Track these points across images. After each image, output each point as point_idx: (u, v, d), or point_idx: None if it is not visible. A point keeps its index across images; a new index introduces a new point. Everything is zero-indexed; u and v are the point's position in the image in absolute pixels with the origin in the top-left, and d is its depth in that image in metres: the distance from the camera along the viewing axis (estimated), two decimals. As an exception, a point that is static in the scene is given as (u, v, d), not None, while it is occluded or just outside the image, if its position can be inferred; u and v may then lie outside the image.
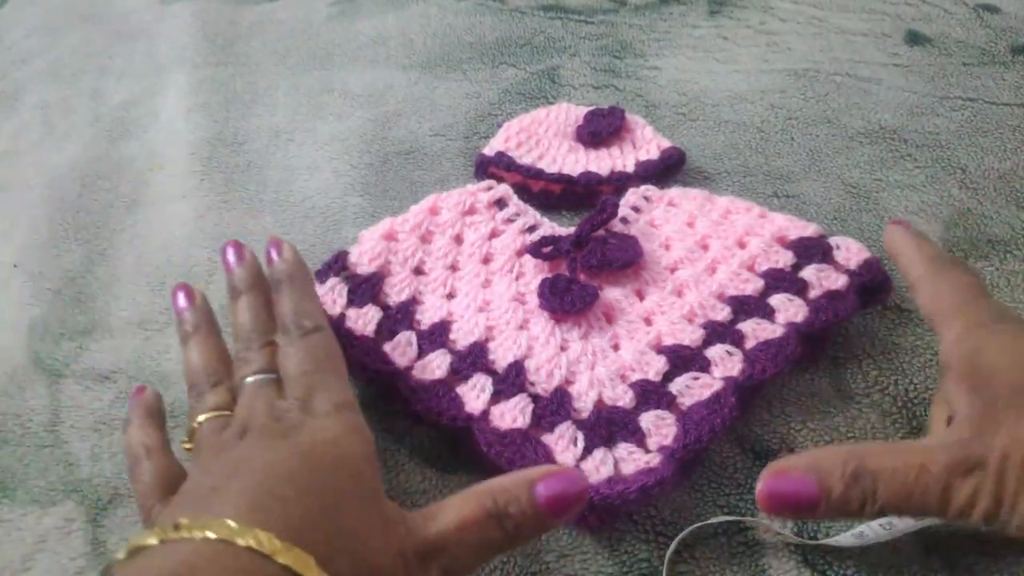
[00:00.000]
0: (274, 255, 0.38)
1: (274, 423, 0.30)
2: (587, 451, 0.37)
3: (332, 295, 0.44)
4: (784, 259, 0.44)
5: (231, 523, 0.24)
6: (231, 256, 0.38)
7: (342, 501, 0.27)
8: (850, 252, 0.44)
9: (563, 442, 0.38)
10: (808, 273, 0.43)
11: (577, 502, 0.29)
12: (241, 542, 0.24)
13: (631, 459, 0.37)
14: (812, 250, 0.45)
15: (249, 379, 0.33)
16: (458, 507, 0.29)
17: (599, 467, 0.36)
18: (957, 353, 0.31)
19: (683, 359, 0.41)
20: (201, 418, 0.33)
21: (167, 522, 0.25)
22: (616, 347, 0.42)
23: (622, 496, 0.34)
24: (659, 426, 0.38)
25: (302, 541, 0.24)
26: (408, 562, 0.27)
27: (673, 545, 0.35)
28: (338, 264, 0.45)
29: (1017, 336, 0.31)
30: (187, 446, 0.33)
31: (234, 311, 0.37)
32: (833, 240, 0.45)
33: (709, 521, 0.36)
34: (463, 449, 0.39)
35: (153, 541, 0.24)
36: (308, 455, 0.28)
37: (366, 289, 0.44)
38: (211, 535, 0.24)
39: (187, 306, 0.38)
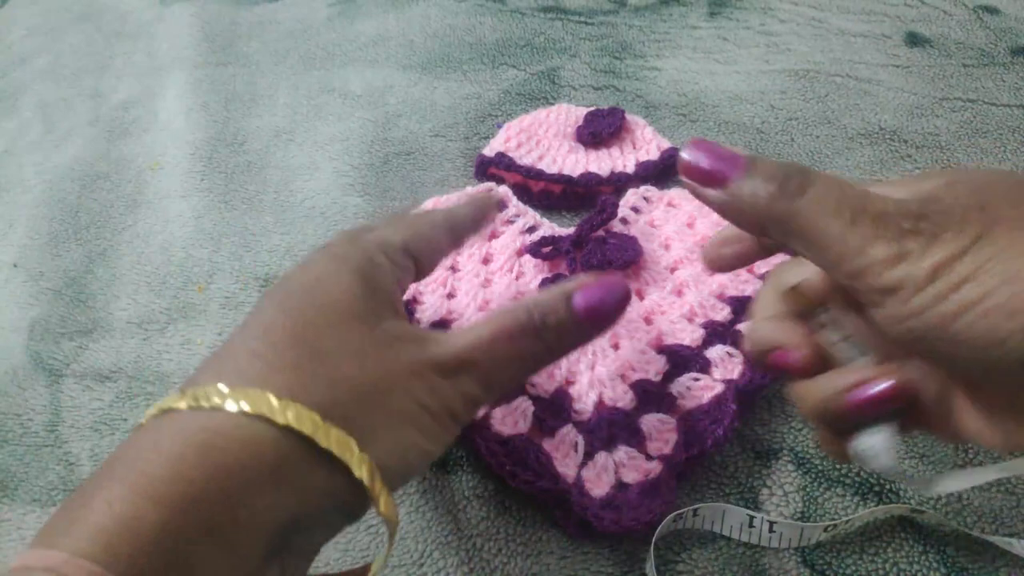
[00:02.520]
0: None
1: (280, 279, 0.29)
2: (588, 456, 0.37)
3: None
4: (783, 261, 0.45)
5: (272, 399, 0.22)
6: None
7: (314, 330, 0.25)
8: None
9: (564, 448, 0.38)
10: None
11: (618, 310, 0.28)
12: (280, 420, 0.22)
13: (632, 464, 0.37)
14: None
15: None
16: (492, 322, 0.27)
17: (600, 474, 0.36)
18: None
19: (683, 359, 0.41)
20: None
21: (200, 385, 0.23)
22: (616, 346, 0.42)
23: (629, 529, 0.35)
24: (660, 431, 0.38)
25: (286, 387, 0.23)
26: (425, 376, 0.25)
27: (656, 535, 0.35)
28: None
29: (956, 170, 0.26)
30: None
31: None
32: None
33: (686, 509, 0.35)
34: (463, 449, 0.39)
35: (182, 405, 0.23)
36: (284, 301, 0.26)
37: (366, 289, 0.44)
38: (246, 407, 0.22)
39: None
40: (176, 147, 0.59)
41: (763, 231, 0.24)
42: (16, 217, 0.55)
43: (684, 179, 0.25)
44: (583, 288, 0.27)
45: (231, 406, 0.22)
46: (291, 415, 0.22)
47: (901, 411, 0.26)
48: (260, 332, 0.25)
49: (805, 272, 0.29)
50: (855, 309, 0.27)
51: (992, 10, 0.69)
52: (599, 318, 0.27)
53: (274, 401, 0.22)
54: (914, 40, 0.66)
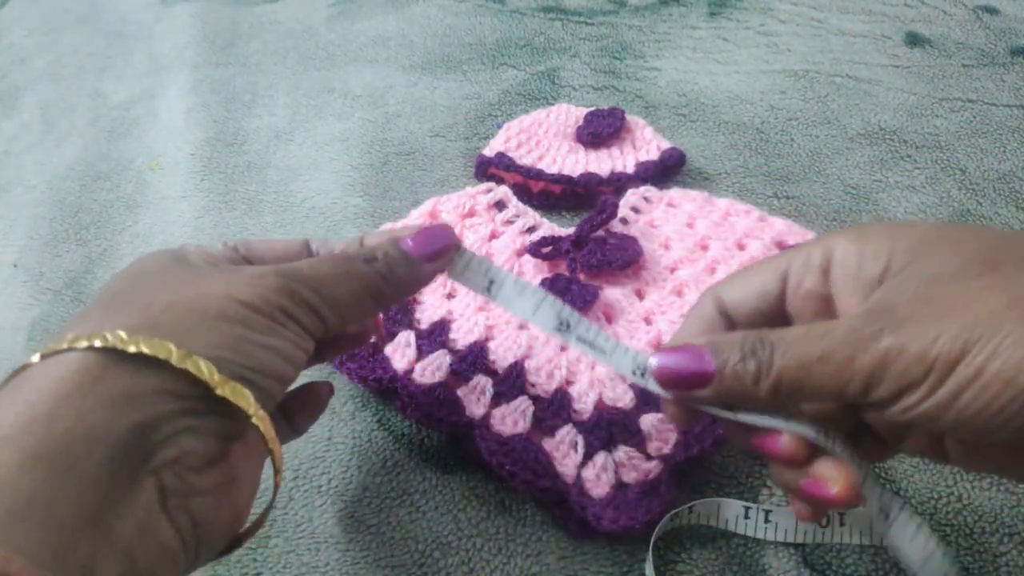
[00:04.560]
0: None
1: None
2: (588, 456, 0.37)
3: None
4: None
5: (77, 334, 0.24)
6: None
7: (132, 280, 0.27)
8: None
9: (563, 448, 0.38)
10: None
11: (447, 249, 0.31)
12: (82, 344, 0.23)
13: (631, 464, 0.37)
14: None
15: None
16: (321, 254, 0.30)
17: (600, 474, 0.36)
18: (854, 255, 0.26)
19: (683, 359, 0.41)
20: None
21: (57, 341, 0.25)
22: (616, 347, 0.42)
23: (629, 530, 0.35)
24: (660, 431, 0.38)
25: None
26: (244, 280, 0.26)
27: (654, 535, 0.35)
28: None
29: (936, 225, 0.26)
30: None
31: None
32: None
33: (682, 507, 0.35)
34: (463, 449, 0.39)
35: (35, 359, 0.24)
36: (116, 275, 0.29)
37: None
38: (97, 343, 0.23)
39: None
40: (176, 147, 0.59)
41: (758, 404, 0.26)
42: (16, 217, 0.55)
43: (669, 393, 0.27)
44: (413, 235, 0.31)
45: (60, 347, 0.24)
46: (98, 338, 0.23)
47: None
48: (95, 298, 0.28)
49: (740, 293, 0.29)
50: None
51: (992, 10, 0.69)
52: (428, 252, 0.31)
53: (81, 334, 0.24)
54: (914, 40, 0.67)
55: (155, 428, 0.23)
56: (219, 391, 0.24)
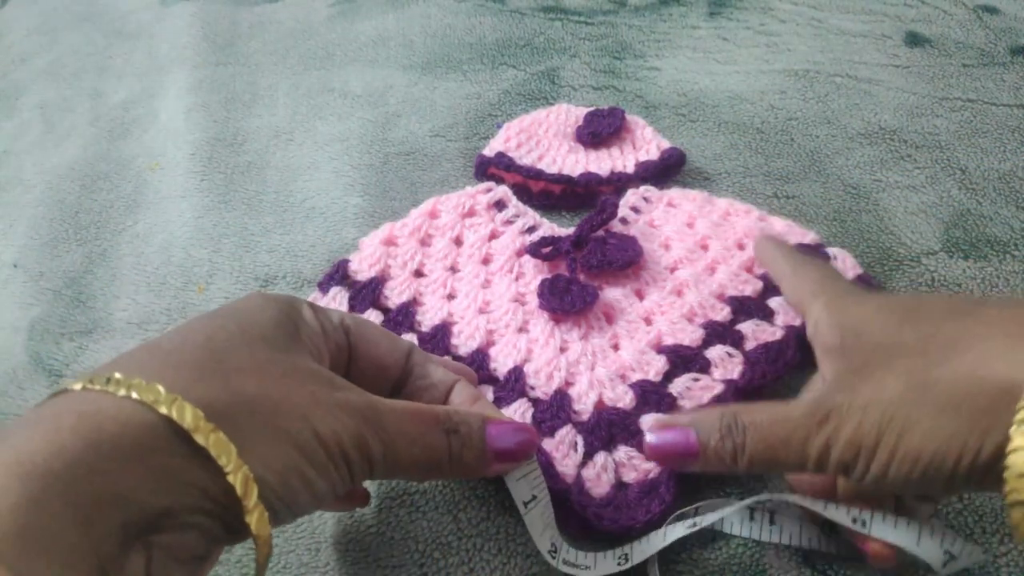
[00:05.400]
0: None
1: None
2: (588, 456, 0.37)
3: (334, 304, 0.44)
4: None
5: (161, 389, 0.23)
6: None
7: (225, 342, 0.26)
8: (846, 264, 0.45)
9: (563, 448, 0.38)
10: None
11: (523, 456, 0.31)
12: (163, 410, 0.23)
13: (631, 464, 0.37)
14: None
15: None
16: (412, 403, 0.29)
17: (600, 474, 0.36)
18: (823, 324, 0.32)
19: (683, 359, 0.41)
20: None
21: (100, 372, 0.24)
22: (616, 347, 0.42)
23: (629, 530, 0.35)
24: (659, 430, 0.38)
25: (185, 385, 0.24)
26: (327, 408, 0.26)
27: (669, 539, 0.35)
28: (339, 273, 0.46)
29: (880, 304, 0.31)
30: None
31: None
32: (830, 250, 0.45)
33: (687, 508, 0.35)
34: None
35: (77, 387, 0.24)
36: (207, 316, 0.28)
37: (366, 294, 0.44)
38: (135, 395, 0.23)
39: None
40: (176, 147, 0.59)
41: (740, 475, 0.32)
42: (16, 217, 0.55)
43: (660, 461, 0.33)
44: (498, 424, 0.30)
45: (120, 391, 0.23)
46: (175, 407, 0.23)
47: None
48: (175, 335, 0.27)
49: None
50: None
51: (992, 10, 0.69)
52: (504, 456, 0.30)
53: (162, 391, 0.23)
54: (914, 40, 0.66)
55: (173, 515, 0.23)
56: (248, 511, 0.23)
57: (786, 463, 0.29)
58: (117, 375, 0.23)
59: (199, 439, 0.23)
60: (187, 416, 0.23)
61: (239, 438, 0.23)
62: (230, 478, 0.23)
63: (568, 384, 0.40)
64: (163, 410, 0.23)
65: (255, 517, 0.23)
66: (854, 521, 0.31)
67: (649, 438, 0.31)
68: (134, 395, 0.23)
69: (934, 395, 0.26)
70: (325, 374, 0.28)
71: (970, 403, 0.25)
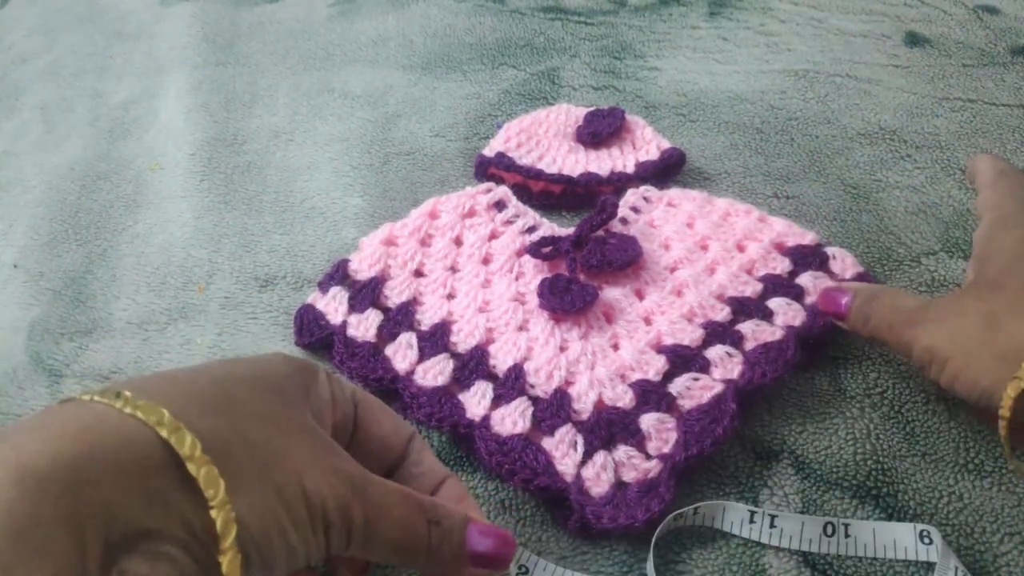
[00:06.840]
0: None
1: None
2: (587, 455, 0.37)
3: (334, 303, 0.44)
4: (781, 265, 0.45)
5: (166, 413, 0.23)
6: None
7: (239, 386, 0.27)
8: (845, 264, 0.45)
9: (563, 447, 0.38)
10: (805, 279, 0.44)
11: (499, 565, 0.30)
12: (163, 433, 0.23)
13: (631, 464, 0.37)
14: (809, 258, 0.45)
15: None
16: (402, 488, 0.29)
17: (600, 473, 0.36)
18: (980, 237, 0.39)
19: (683, 359, 0.41)
20: None
21: (111, 388, 0.24)
22: (616, 347, 0.42)
23: (628, 529, 0.35)
24: (659, 430, 0.38)
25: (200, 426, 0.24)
26: (323, 471, 0.26)
27: (656, 535, 0.35)
28: (340, 273, 0.46)
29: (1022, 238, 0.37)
30: None
31: None
32: (829, 250, 0.45)
33: (687, 508, 0.35)
34: (464, 449, 0.39)
35: (86, 398, 0.24)
36: (228, 360, 0.29)
37: (366, 294, 0.44)
38: (140, 415, 0.23)
39: None
40: (176, 147, 0.59)
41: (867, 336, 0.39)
42: (16, 217, 0.55)
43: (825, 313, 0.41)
44: (481, 526, 0.30)
45: (126, 408, 0.23)
46: (175, 433, 0.23)
47: None
48: (192, 370, 0.27)
49: None
50: None
51: (992, 10, 0.69)
52: (480, 560, 0.30)
53: (166, 415, 0.23)
54: (914, 40, 0.66)
55: (152, 537, 0.22)
56: (222, 552, 0.23)
57: (892, 344, 0.37)
58: (127, 393, 0.24)
59: (191, 468, 0.23)
60: (185, 443, 0.23)
61: (230, 477, 0.24)
62: (213, 512, 0.23)
63: (568, 383, 0.40)
64: (163, 433, 0.23)
65: (227, 558, 0.23)
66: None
67: (819, 295, 0.41)
68: (139, 414, 0.23)
69: (1001, 341, 0.32)
70: (325, 438, 0.28)
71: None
